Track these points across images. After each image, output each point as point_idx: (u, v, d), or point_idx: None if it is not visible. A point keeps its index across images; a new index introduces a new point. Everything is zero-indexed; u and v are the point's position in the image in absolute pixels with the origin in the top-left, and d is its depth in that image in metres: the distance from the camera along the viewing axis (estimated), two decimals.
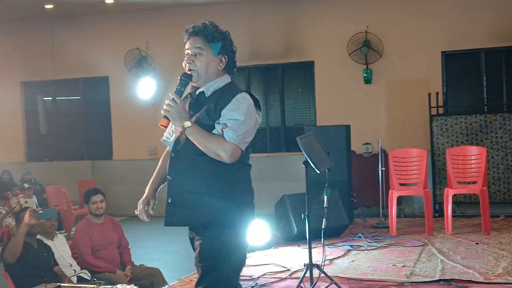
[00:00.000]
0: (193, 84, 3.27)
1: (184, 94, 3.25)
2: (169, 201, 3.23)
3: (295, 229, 7.75)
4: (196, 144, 3.07)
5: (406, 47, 11.33)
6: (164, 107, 3.10)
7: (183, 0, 11.88)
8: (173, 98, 3.11)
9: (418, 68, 11.25)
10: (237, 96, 3.11)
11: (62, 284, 4.77)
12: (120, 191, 12.50)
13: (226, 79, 3.26)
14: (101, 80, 13.17)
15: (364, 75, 11.42)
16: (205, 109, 3.15)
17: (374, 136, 11.13)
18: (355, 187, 9.82)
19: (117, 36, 12.92)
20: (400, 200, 9.88)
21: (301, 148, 5.25)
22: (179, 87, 3.19)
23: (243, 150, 3.11)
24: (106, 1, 11.78)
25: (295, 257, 7.03)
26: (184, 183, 3.14)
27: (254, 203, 3.28)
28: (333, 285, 5.29)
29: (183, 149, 3.17)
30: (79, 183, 12.42)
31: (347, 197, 8.94)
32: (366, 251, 7.24)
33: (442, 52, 11.20)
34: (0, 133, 13.50)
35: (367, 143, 11.37)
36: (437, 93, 10.73)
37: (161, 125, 3.19)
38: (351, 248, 7.40)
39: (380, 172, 9.52)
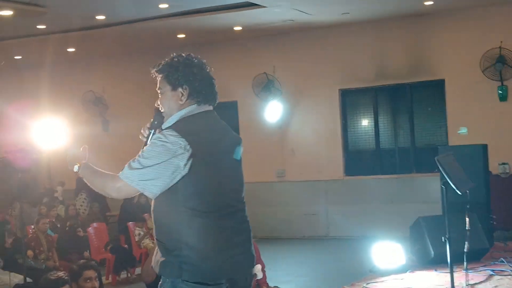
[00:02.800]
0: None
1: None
2: None
3: (432, 252, 7.49)
4: (88, 184, 3.00)
5: None
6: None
7: (307, 24, 11.97)
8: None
9: None
10: (156, 134, 2.92)
11: None
12: (249, 213, 12.59)
13: (187, 111, 2.97)
14: (230, 105, 13.48)
15: (499, 92, 10.93)
16: None
17: (511, 155, 10.58)
18: (494, 209, 9.35)
19: (245, 61, 13.23)
20: None
21: (441, 169, 5.08)
22: (150, 132, 3.06)
23: (148, 193, 2.82)
24: (234, 28, 12.12)
25: (433, 281, 6.79)
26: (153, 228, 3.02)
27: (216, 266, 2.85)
28: None
29: None
30: None
31: (486, 220, 8.53)
32: (510, 276, 6.85)
33: None
34: None
35: (504, 163, 10.82)
36: None
37: None
38: (493, 273, 7.04)
39: None
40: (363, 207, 12.01)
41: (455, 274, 5.64)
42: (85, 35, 11.94)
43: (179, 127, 2.87)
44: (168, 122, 2.98)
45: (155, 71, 3.07)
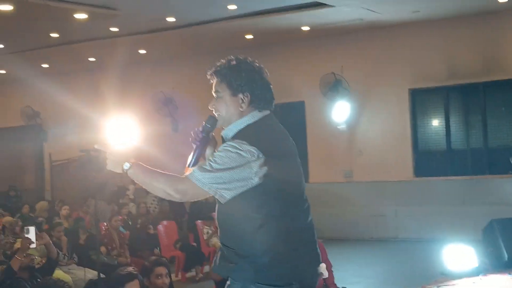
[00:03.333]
0: (222, 127, 3.01)
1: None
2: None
3: (506, 255, 7.27)
4: (141, 185, 2.89)
5: None
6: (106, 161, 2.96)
7: (376, 23, 11.84)
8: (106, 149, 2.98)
9: None
10: (227, 142, 2.83)
11: None
12: (317, 214, 12.50)
13: (251, 118, 2.90)
14: (298, 105, 13.49)
15: None
16: None
17: None
18: None
19: (312, 61, 13.19)
20: None
21: None
22: (202, 132, 3.01)
23: (221, 197, 2.76)
24: (302, 28, 12.12)
25: (506, 285, 6.59)
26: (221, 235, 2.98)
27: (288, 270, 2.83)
28: None
29: None
30: None
31: None
32: None
33: None
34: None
35: None
36: None
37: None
38: None
39: None
40: (433, 208, 11.77)
41: None
42: (156, 36, 12.21)
43: (248, 136, 2.83)
44: (231, 130, 2.93)
45: (213, 73, 3.00)
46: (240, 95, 2.91)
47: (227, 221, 2.89)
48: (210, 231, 10.33)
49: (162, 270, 4.89)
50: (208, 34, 12.38)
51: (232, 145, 2.77)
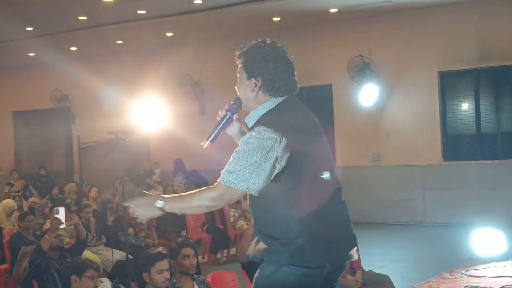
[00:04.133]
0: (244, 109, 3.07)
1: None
2: None
3: None
4: (182, 212, 2.92)
5: None
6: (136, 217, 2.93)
7: (405, 5, 11.67)
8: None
9: None
10: (249, 133, 2.83)
11: None
12: (344, 197, 12.57)
13: (268, 105, 2.94)
14: (325, 88, 13.40)
15: None
16: None
17: None
18: None
19: (340, 44, 13.08)
20: None
21: None
22: (227, 113, 3.05)
23: (253, 190, 2.74)
24: (330, 10, 12.00)
25: None
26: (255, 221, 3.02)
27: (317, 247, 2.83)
28: None
29: None
30: None
31: None
32: None
33: None
34: (231, 140, 14.30)
35: None
36: None
37: (204, 145, 3.08)
38: None
39: None
40: (462, 193, 11.64)
41: None
42: (183, 19, 12.20)
43: (269, 121, 2.84)
44: (252, 118, 2.96)
45: (237, 56, 3.05)
46: (253, 80, 2.94)
47: (259, 207, 2.92)
48: (236, 214, 10.37)
49: (189, 251, 4.91)
50: (235, 17, 12.33)
51: (253, 136, 2.78)
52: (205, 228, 10.01)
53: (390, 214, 12.29)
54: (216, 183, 2.80)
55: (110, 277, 7.19)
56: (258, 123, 2.88)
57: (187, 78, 14.50)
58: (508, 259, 7.16)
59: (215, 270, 5.71)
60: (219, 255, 9.77)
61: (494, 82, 11.91)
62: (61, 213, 5.62)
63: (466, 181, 11.72)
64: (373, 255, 8.91)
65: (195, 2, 11.07)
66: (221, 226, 10.32)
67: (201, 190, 2.84)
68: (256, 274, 2.93)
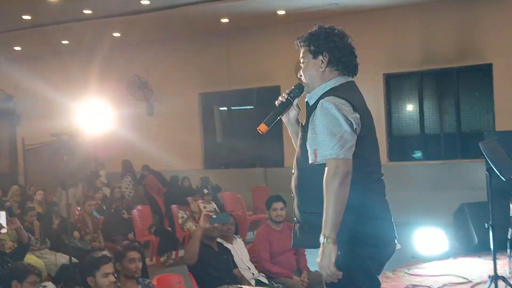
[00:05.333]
0: (307, 93, 3.05)
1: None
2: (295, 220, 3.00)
3: (476, 239, 7.39)
4: (339, 215, 2.68)
5: None
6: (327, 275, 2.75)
7: (352, 8, 11.83)
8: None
9: None
10: (317, 107, 2.82)
11: (243, 286, 4.92)
12: (292, 198, 12.66)
13: (336, 81, 2.94)
14: (273, 90, 13.47)
15: None
16: (305, 123, 2.92)
17: None
18: None
19: (289, 46, 13.05)
20: None
21: (484, 154, 4.99)
22: (288, 97, 3.04)
23: (349, 157, 2.71)
24: (278, 12, 12.08)
25: (476, 268, 6.70)
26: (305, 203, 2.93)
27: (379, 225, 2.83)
28: None
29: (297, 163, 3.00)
30: (253, 189, 12.82)
31: None
32: None
33: None
34: (181, 141, 14.26)
35: None
36: None
37: (260, 130, 3.04)
38: None
39: None
40: (406, 193, 11.86)
41: (498, 262, 5.55)
42: (130, 20, 12.08)
43: (338, 94, 2.83)
44: (316, 94, 2.93)
45: (299, 42, 3.07)
46: (320, 57, 2.97)
47: (309, 186, 2.85)
48: (185, 216, 10.32)
49: (135, 254, 4.86)
50: (183, 18, 12.28)
51: (326, 107, 2.76)
52: (152, 230, 9.95)
53: None
54: (326, 163, 2.70)
55: (55, 281, 7.06)
56: (325, 95, 2.84)
57: (135, 79, 14.37)
58: (449, 258, 7.34)
59: (162, 273, 5.68)
60: (165, 258, 9.70)
61: (437, 84, 12.21)
62: (1, 218, 5.50)
63: (411, 181, 11.96)
64: None
65: (142, 2, 10.98)
66: (169, 228, 10.27)
67: (325, 183, 2.70)
68: (318, 259, 2.77)
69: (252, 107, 14.20)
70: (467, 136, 11.77)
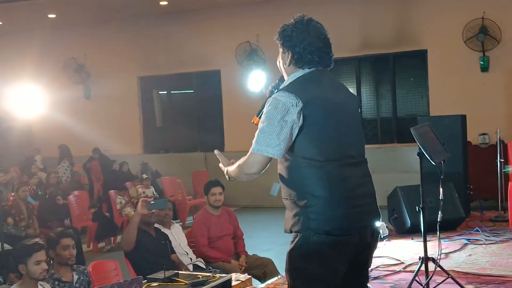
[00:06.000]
0: None
1: None
2: None
3: (409, 221, 7.57)
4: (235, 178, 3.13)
5: None
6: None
7: None
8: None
9: None
10: (267, 100, 2.98)
11: (180, 272, 4.93)
12: (233, 182, 12.60)
13: (293, 76, 3.07)
14: (213, 74, 13.46)
15: (481, 63, 10.97)
16: None
17: (491, 126, 10.65)
18: (472, 179, 9.45)
19: (228, 30, 13.14)
20: None
21: (416, 139, 5.11)
22: (272, 90, 3.14)
23: (273, 155, 2.89)
24: None
25: (408, 250, 6.87)
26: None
27: (343, 211, 2.87)
28: (449, 279, 5.13)
29: None
30: (193, 174, 12.79)
31: (463, 190, 8.61)
32: (484, 245, 6.94)
33: None
34: (119, 126, 14.10)
35: (484, 134, 10.93)
36: None
37: (254, 122, 3.14)
38: (468, 242, 7.13)
39: (498, 163, 9.11)
40: None
41: (430, 243, 5.71)
42: (66, 1, 11.80)
43: (289, 87, 2.98)
44: (283, 85, 3.08)
45: (277, 35, 3.17)
46: (286, 53, 3.09)
47: (284, 173, 3.00)
48: (123, 201, 10.23)
49: (68, 241, 4.80)
50: (122, 0, 12.07)
51: (270, 102, 2.92)
52: (92, 212, 9.79)
53: (277, 198, 12.50)
54: (250, 157, 2.95)
55: None
56: (281, 88, 3.01)
57: (71, 61, 14.07)
58: (383, 240, 7.50)
59: (100, 259, 5.62)
60: (104, 244, 9.60)
61: (374, 69, 12.43)
62: None
63: None
64: (259, 239, 9.10)
65: None
66: (108, 214, 10.16)
67: (241, 160, 3.03)
68: (288, 249, 2.97)
69: (192, 91, 14.13)
70: (403, 120, 12.05)
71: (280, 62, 3.16)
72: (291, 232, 2.96)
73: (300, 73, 3.05)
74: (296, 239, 2.91)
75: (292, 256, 2.93)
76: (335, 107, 2.98)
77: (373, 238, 3.06)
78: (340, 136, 2.95)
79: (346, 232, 2.87)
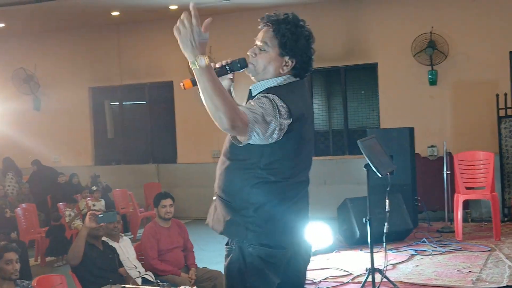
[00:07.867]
0: (250, 76, 2.91)
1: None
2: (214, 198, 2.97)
3: (358, 233, 7.67)
4: (201, 92, 2.50)
5: (472, 47, 11.04)
6: (177, 24, 2.61)
7: (243, 5, 11.94)
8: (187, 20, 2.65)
9: (485, 69, 10.95)
10: (267, 94, 2.71)
11: (126, 286, 4.87)
12: (184, 194, 12.65)
13: (283, 80, 2.83)
14: (166, 85, 13.39)
15: (429, 76, 11.19)
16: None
17: (439, 138, 10.89)
18: (420, 191, 9.63)
19: None
20: (467, 204, 9.62)
21: (362, 151, 5.20)
22: (226, 66, 2.80)
23: (252, 132, 2.56)
24: (170, 7, 11.98)
25: (357, 261, 6.96)
26: (217, 185, 2.92)
27: (285, 233, 2.81)
28: None
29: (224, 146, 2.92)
30: (145, 186, 12.68)
31: (411, 201, 8.78)
32: (430, 256, 7.09)
33: (511, 52, 10.86)
34: (70, 137, 13.89)
35: (432, 146, 11.14)
36: (506, 94, 10.41)
37: (183, 86, 2.70)
38: (415, 253, 7.26)
39: (445, 175, 9.31)
40: None
41: (377, 254, 5.81)
42: (16, 10, 11.58)
43: (282, 94, 2.69)
44: (261, 86, 2.82)
45: (270, 23, 2.89)
46: (286, 58, 2.82)
47: (231, 173, 2.82)
48: (72, 214, 10.06)
49: (11, 255, 4.72)
50: (72, 10, 11.91)
51: (271, 97, 2.65)
52: (45, 230, 9.48)
53: None
54: (245, 115, 2.54)
55: None
56: (268, 91, 2.72)
57: (20, 71, 13.81)
58: (333, 251, 7.57)
59: (48, 273, 5.51)
60: (53, 258, 9.37)
61: (325, 82, 12.57)
62: None
63: None
64: (210, 252, 9.04)
65: None
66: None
67: (232, 100, 2.61)
68: (225, 263, 2.85)
69: (144, 102, 14.02)
70: (354, 133, 12.20)
71: (266, 60, 2.82)
72: (222, 234, 2.87)
73: (285, 79, 2.84)
74: (232, 252, 2.85)
75: (232, 271, 2.86)
76: (308, 125, 2.91)
77: (307, 256, 3.07)
78: (304, 158, 2.92)
79: (283, 245, 2.84)
